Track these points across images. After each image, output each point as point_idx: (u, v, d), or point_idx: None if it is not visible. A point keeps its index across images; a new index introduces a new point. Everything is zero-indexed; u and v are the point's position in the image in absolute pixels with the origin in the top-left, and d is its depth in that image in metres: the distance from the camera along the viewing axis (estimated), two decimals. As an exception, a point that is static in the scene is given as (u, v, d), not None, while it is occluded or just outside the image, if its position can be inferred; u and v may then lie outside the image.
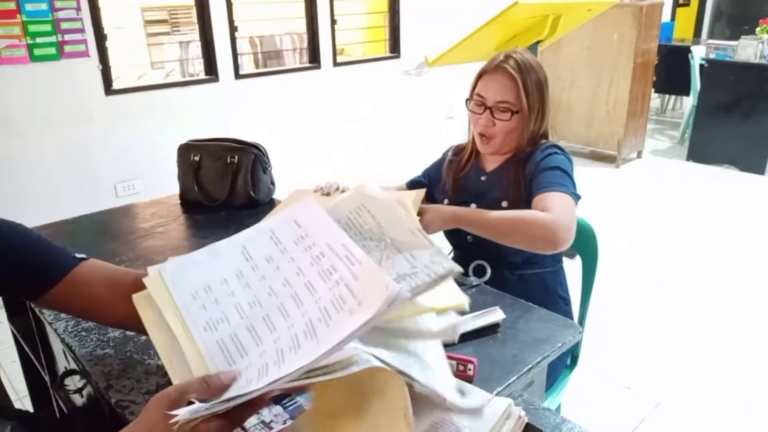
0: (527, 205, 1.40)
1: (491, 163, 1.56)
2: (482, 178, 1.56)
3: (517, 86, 1.42)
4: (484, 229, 1.31)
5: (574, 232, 1.28)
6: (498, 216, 1.29)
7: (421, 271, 0.68)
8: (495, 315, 1.07)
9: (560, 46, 4.87)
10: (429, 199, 1.67)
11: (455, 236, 1.61)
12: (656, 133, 6.24)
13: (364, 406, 0.69)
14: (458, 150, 1.67)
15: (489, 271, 1.49)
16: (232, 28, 3.61)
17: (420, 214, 1.31)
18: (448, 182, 1.61)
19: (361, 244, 0.73)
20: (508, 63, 1.43)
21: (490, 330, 1.06)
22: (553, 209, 1.28)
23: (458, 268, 0.70)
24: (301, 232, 0.73)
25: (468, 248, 1.54)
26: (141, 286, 0.90)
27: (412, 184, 1.70)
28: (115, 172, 3.35)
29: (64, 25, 2.96)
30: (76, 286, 0.91)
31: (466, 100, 1.52)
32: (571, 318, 1.60)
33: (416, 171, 1.72)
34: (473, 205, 1.52)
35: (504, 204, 1.47)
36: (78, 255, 0.94)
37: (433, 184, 1.67)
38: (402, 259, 0.71)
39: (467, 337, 1.03)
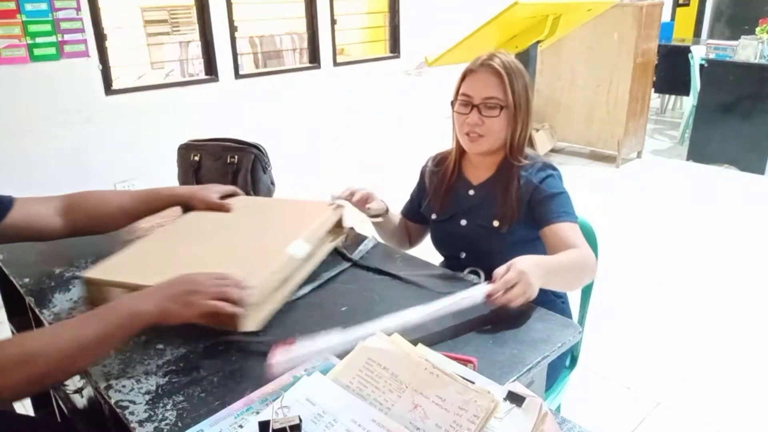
0: (521, 225, 1.42)
1: (478, 176, 1.53)
2: (470, 192, 1.52)
3: (504, 82, 1.41)
4: (558, 278, 1.25)
5: None
6: (567, 266, 1.26)
7: (460, 417, 0.70)
8: (478, 290, 1.05)
9: (560, 46, 4.87)
10: (419, 213, 1.64)
11: (447, 248, 1.60)
12: (656, 133, 6.24)
13: None
14: (439, 160, 1.63)
15: (483, 277, 1.49)
16: (232, 28, 3.61)
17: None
18: (434, 196, 1.58)
19: (382, 398, 0.74)
20: (493, 61, 1.43)
21: (489, 329, 1.06)
22: (580, 245, 1.32)
23: (496, 400, 0.71)
24: (317, 410, 0.72)
25: (460, 261, 1.53)
26: None
27: (408, 213, 1.68)
28: (115, 172, 3.35)
29: (64, 25, 2.97)
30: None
31: (451, 103, 1.49)
32: (570, 315, 1.60)
33: (415, 171, 1.71)
34: (464, 221, 1.51)
35: (495, 223, 1.45)
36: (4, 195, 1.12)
37: (421, 200, 1.65)
38: (431, 405, 0.72)
39: (466, 336, 1.03)
